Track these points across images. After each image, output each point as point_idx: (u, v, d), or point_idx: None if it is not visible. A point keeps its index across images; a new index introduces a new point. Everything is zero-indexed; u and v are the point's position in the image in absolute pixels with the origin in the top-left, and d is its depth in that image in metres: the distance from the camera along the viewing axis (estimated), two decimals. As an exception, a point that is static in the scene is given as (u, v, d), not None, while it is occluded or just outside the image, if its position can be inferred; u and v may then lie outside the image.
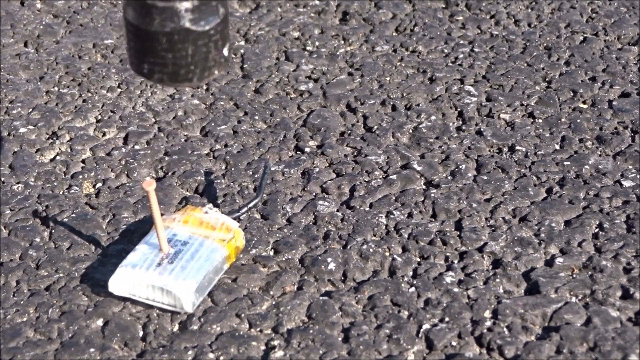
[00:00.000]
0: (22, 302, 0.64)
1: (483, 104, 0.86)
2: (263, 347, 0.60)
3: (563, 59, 0.93)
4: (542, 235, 0.70)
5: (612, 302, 0.63)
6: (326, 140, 0.81)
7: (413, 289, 0.65)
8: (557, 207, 0.73)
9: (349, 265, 0.67)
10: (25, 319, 0.63)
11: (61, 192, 0.75)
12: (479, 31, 0.98)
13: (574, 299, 0.64)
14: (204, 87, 0.89)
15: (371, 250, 0.68)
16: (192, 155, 0.79)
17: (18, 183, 0.76)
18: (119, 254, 0.68)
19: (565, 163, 0.78)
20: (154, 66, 0.56)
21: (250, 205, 0.71)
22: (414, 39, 0.96)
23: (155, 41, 0.54)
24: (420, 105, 0.86)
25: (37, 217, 0.72)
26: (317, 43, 0.96)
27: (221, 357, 0.59)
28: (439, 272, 0.66)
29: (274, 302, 0.64)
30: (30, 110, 0.85)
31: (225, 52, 0.57)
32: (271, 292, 0.65)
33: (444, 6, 1.03)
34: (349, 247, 0.69)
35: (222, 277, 0.65)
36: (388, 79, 0.90)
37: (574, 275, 0.66)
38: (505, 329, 0.61)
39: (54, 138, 0.81)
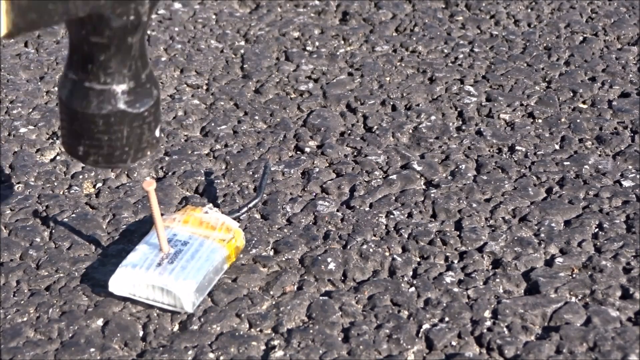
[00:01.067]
0: (22, 302, 0.64)
1: (483, 104, 0.86)
2: (263, 347, 0.60)
3: (563, 59, 0.93)
4: (542, 235, 0.70)
5: (611, 302, 0.64)
6: (326, 140, 0.81)
7: (413, 288, 0.65)
8: (557, 207, 0.73)
9: (349, 265, 0.67)
10: (25, 319, 0.63)
11: (61, 192, 0.75)
12: (479, 31, 0.98)
13: (573, 299, 0.64)
14: (204, 87, 0.89)
15: (371, 250, 0.68)
16: (192, 155, 0.79)
17: (18, 183, 0.76)
18: (119, 254, 0.68)
19: (565, 163, 0.78)
20: (89, 148, 0.56)
21: (250, 205, 0.71)
22: (414, 39, 0.96)
23: (92, 123, 0.55)
24: (420, 105, 0.86)
25: (38, 217, 0.72)
26: (317, 43, 0.96)
27: (221, 357, 0.59)
28: (439, 272, 0.66)
29: (274, 302, 0.64)
30: (31, 110, 0.85)
31: (157, 133, 0.58)
32: (271, 292, 0.65)
33: (443, 6, 1.03)
34: (349, 247, 0.69)
35: (222, 277, 0.65)
36: (388, 79, 0.90)
37: (574, 275, 0.66)
38: (505, 329, 0.61)
39: (54, 138, 0.81)
